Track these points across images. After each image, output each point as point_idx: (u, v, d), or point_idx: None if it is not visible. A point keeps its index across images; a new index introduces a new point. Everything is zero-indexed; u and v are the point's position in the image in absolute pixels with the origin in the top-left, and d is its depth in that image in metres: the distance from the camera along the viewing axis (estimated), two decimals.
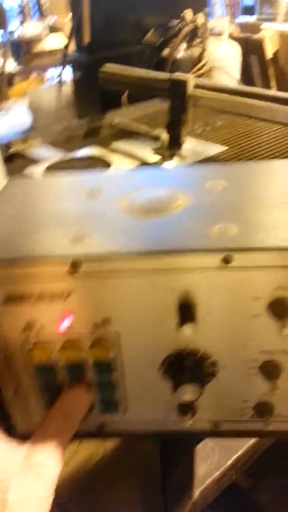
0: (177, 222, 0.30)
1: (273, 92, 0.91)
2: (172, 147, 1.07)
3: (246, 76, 1.97)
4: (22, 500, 0.25)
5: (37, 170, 1.05)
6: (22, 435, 0.31)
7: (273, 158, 1.00)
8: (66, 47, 1.30)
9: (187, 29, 1.46)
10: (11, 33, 3.70)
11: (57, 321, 0.29)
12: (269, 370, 0.31)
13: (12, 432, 0.34)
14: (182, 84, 1.00)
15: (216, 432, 0.35)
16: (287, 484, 1.02)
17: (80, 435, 0.33)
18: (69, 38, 1.31)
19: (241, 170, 0.38)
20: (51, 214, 0.32)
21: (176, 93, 1.02)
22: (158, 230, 0.29)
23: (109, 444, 0.60)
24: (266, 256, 0.27)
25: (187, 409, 0.33)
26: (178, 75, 1.03)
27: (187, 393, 0.30)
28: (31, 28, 3.57)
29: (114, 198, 0.33)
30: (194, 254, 0.27)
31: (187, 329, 0.28)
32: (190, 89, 0.99)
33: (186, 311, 0.28)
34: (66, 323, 0.29)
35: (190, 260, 0.27)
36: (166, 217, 0.30)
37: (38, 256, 0.27)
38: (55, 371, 0.31)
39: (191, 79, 1.00)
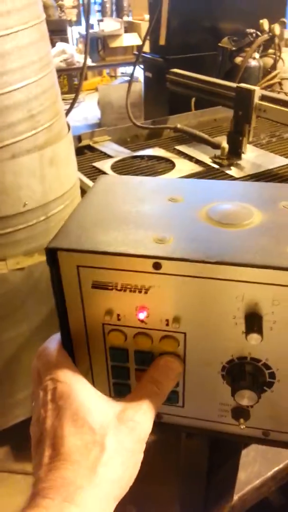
0: (252, 237, 0.31)
1: None
2: (232, 156, 1.08)
3: None
4: (117, 448, 0.28)
5: (105, 165, 1.11)
6: None
7: None
8: (141, 47, 1.35)
9: (262, 38, 1.47)
10: (91, 28, 3.84)
11: (135, 311, 0.32)
12: None
13: None
14: (248, 94, 1.00)
15: (265, 440, 0.36)
16: None
17: None
18: (144, 39, 1.36)
19: None
20: (136, 213, 0.35)
21: (241, 103, 1.03)
22: (233, 242, 0.30)
23: (151, 437, 0.65)
24: None
25: (241, 413, 0.34)
26: (245, 85, 1.05)
27: (245, 398, 0.32)
28: (110, 25, 3.68)
29: (194, 206, 0.35)
30: (266, 270, 0.28)
31: (253, 339, 0.30)
32: (256, 100, 1.00)
33: (253, 321, 0.30)
34: (142, 315, 0.32)
35: (261, 274, 0.29)
36: (242, 231, 0.32)
37: (126, 253, 0.30)
38: (127, 355, 0.34)
39: (257, 90, 1.00)
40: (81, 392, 0.30)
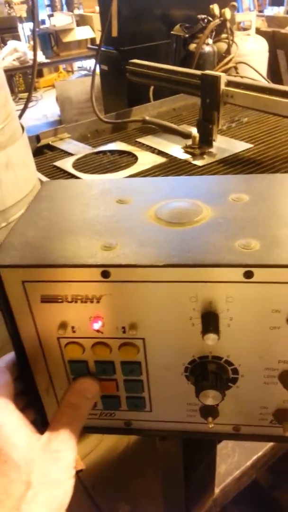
0: (201, 235, 0.30)
1: None
2: (203, 145, 1.06)
3: (273, 71, 1.95)
4: (43, 481, 0.28)
5: (67, 163, 1.08)
6: None
7: None
8: (100, 41, 1.31)
9: (214, 23, 1.45)
10: (42, 23, 3.75)
11: (89, 322, 0.31)
12: None
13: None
14: (214, 81, 0.98)
15: (236, 435, 0.36)
16: None
17: (108, 431, 0.35)
18: (102, 33, 1.32)
19: (264, 183, 0.38)
20: (83, 219, 0.33)
21: (207, 90, 1.00)
22: (183, 242, 0.30)
23: (133, 436, 0.63)
24: (286, 272, 0.27)
25: (209, 411, 0.33)
26: (210, 72, 1.02)
27: (209, 398, 0.32)
28: (61, 19, 3.60)
29: (142, 206, 0.34)
30: (217, 268, 0.28)
31: (210, 339, 0.29)
32: (222, 86, 0.98)
33: (209, 320, 0.29)
34: (97, 325, 0.31)
35: (213, 273, 0.28)
36: (191, 229, 0.31)
37: (72, 263, 0.28)
38: (87, 366, 0.33)
39: (223, 76, 0.98)
40: (7, 426, 0.29)
